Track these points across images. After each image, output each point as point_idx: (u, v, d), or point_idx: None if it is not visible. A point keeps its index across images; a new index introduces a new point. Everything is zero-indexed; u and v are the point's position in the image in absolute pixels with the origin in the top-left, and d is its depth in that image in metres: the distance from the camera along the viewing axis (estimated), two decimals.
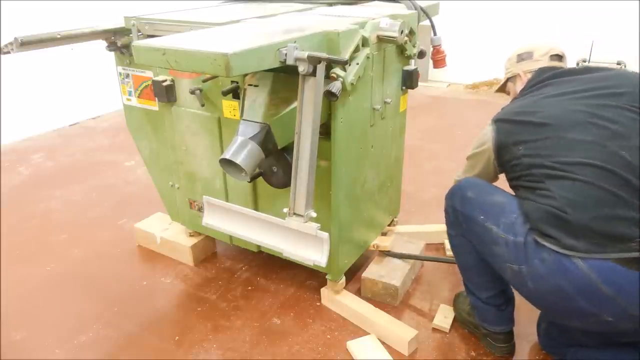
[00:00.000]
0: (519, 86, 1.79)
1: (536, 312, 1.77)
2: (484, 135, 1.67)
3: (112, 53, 2.13)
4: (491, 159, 1.65)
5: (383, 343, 1.83)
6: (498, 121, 1.63)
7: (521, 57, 1.81)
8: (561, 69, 1.71)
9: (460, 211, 1.63)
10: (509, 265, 1.46)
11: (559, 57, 1.78)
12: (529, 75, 1.75)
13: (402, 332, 1.82)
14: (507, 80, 1.89)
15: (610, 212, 1.32)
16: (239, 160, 1.58)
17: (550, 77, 1.66)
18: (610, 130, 1.40)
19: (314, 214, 1.60)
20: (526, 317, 1.86)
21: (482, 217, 1.54)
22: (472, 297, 1.76)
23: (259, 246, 2.13)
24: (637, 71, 1.62)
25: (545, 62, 1.76)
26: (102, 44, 2.07)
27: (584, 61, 4.26)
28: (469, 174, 1.76)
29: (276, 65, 1.39)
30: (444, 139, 3.83)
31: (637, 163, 1.35)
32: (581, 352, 1.63)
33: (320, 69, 1.41)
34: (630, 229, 1.30)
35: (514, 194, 1.58)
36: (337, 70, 1.58)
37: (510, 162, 1.56)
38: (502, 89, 1.95)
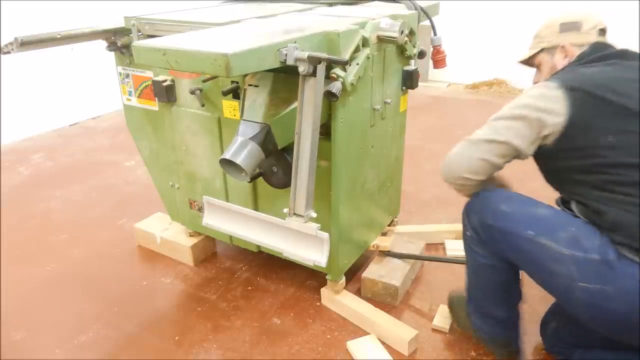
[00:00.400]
0: (559, 60, 1.53)
1: (536, 313, 1.77)
2: (548, 98, 1.31)
3: (112, 53, 2.13)
4: (542, 134, 1.32)
5: (383, 343, 1.83)
6: (574, 90, 1.29)
7: (566, 27, 1.53)
8: (621, 49, 1.44)
9: (495, 226, 1.42)
10: (580, 284, 1.26)
11: (603, 32, 1.54)
12: (577, 50, 1.49)
13: (402, 332, 1.82)
14: (541, 50, 1.59)
15: None
16: (239, 160, 1.58)
17: (611, 55, 1.40)
18: None
19: (314, 214, 1.60)
20: (526, 317, 1.85)
21: (530, 232, 1.34)
22: (479, 320, 1.66)
23: (259, 246, 2.13)
24: None
25: (595, 37, 1.50)
26: (102, 44, 2.07)
27: None
28: (503, 138, 1.37)
29: (276, 65, 1.39)
30: (444, 139, 3.83)
31: None
32: (589, 353, 1.59)
33: (321, 69, 1.41)
34: None
35: (557, 193, 1.41)
36: (337, 71, 1.58)
37: (581, 151, 1.29)
38: (531, 60, 1.64)
